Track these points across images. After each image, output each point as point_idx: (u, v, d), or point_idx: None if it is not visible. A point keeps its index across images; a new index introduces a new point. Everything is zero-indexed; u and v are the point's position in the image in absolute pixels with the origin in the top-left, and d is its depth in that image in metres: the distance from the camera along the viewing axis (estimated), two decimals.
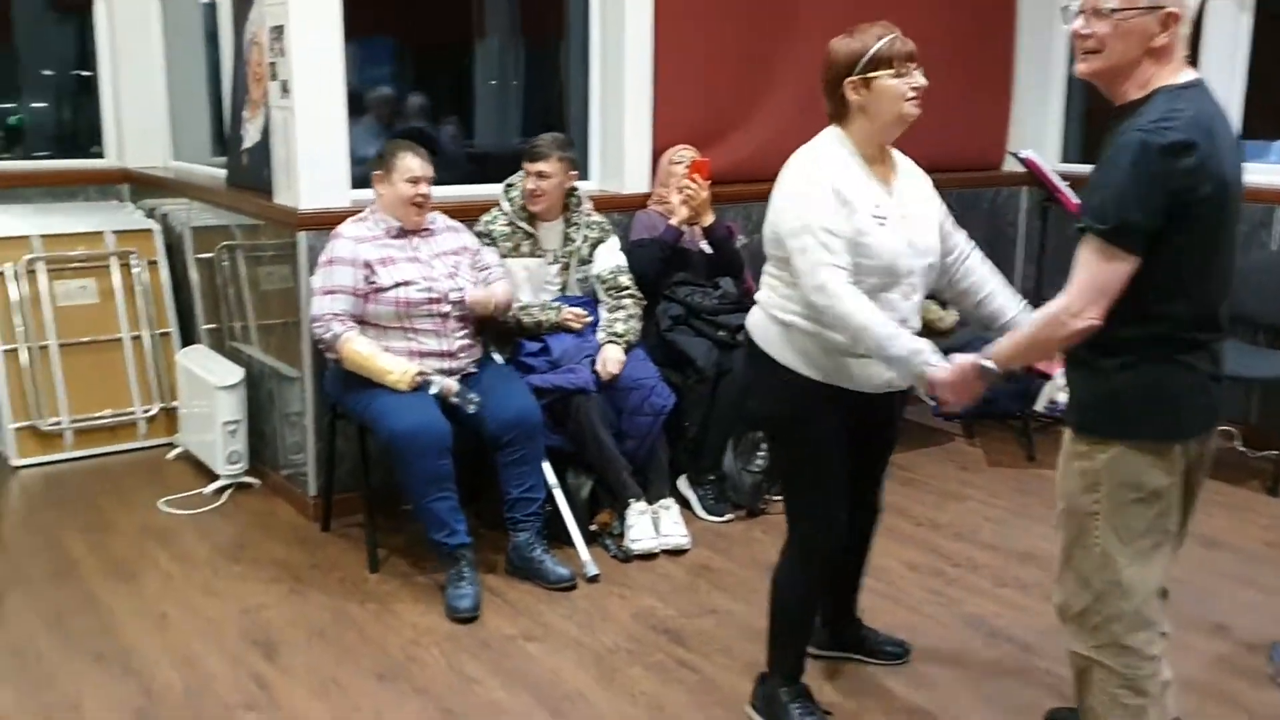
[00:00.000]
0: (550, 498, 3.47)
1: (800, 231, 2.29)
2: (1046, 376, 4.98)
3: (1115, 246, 1.95)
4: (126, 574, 3.40)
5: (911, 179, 2.50)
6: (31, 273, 4.35)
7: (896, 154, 2.49)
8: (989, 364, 2.15)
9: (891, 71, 2.31)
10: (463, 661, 2.92)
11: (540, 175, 3.65)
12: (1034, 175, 4.46)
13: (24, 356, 4.29)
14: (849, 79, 2.33)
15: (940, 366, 2.22)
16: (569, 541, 3.46)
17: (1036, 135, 5.32)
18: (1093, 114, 5.35)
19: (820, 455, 2.45)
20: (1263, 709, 2.74)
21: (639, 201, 4.23)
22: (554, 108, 7.37)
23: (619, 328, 3.71)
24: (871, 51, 2.32)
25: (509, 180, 3.80)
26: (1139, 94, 2.02)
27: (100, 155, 5.21)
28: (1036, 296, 4.55)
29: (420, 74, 6.85)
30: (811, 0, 4.49)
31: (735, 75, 4.46)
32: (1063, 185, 4.39)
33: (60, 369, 4.35)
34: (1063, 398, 5.56)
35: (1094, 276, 1.98)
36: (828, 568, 2.59)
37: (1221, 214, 2.00)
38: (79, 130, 5.92)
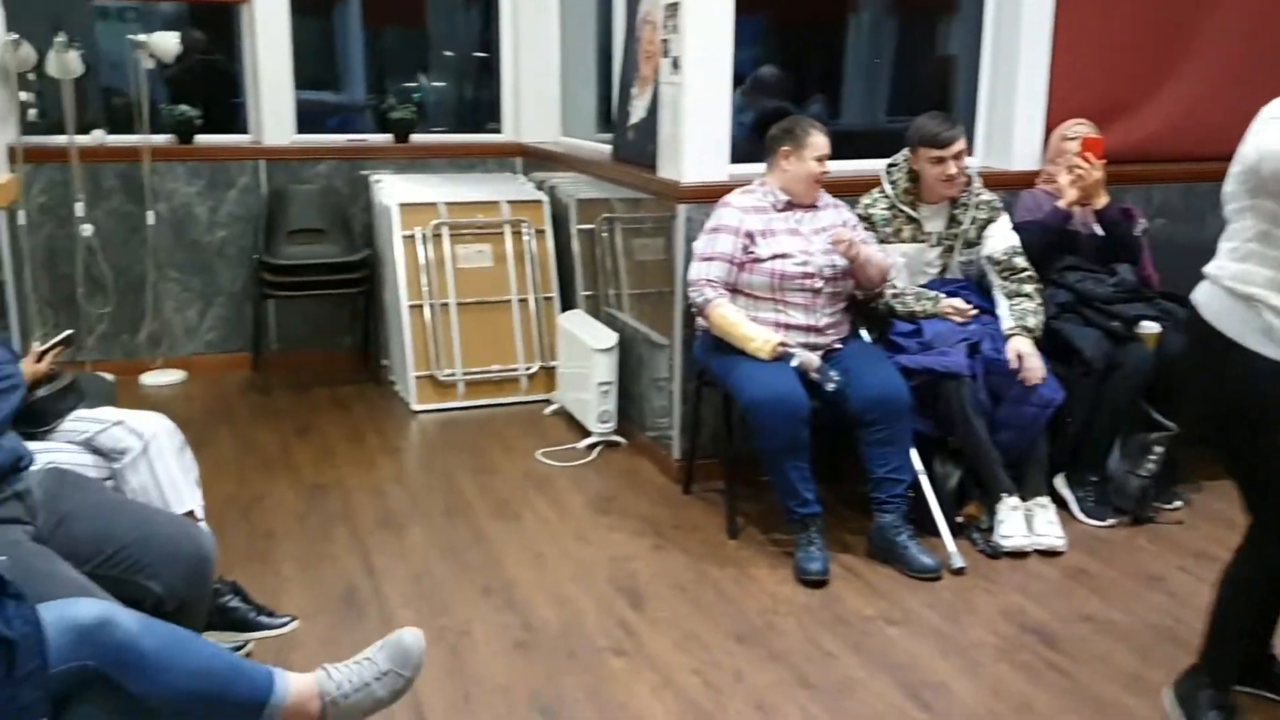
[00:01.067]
0: (916, 483, 3.37)
1: None
2: None
3: None
4: (509, 515, 3.66)
5: None
6: (437, 236, 4.77)
7: None
8: None
9: None
10: (819, 634, 2.90)
11: (957, 157, 3.52)
12: None
13: (427, 313, 4.72)
14: None
15: None
16: (932, 531, 3.35)
17: None
18: None
19: None
20: None
21: (1026, 180, 4.02)
22: (924, 85, 7.19)
23: (1030, 321, 3.50)
24: None
25: (890, 161, 3.71)
26: None
27: (494, 130, 5.64)
28: None
29: (788, 52, 6.88)
30: None
31: (1142, 46, 4.12)
32: None
33: (457, 326, 4.75)
34: None
35: None
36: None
37: None
38: (478, 107, 6.44)
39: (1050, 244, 3.70)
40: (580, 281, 4.77)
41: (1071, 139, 3.81)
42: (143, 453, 2.62)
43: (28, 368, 2.60)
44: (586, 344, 4.26)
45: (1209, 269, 2.32)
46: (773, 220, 3.38)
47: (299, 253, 5.01)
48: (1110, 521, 3.59)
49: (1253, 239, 2.20)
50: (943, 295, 3.59)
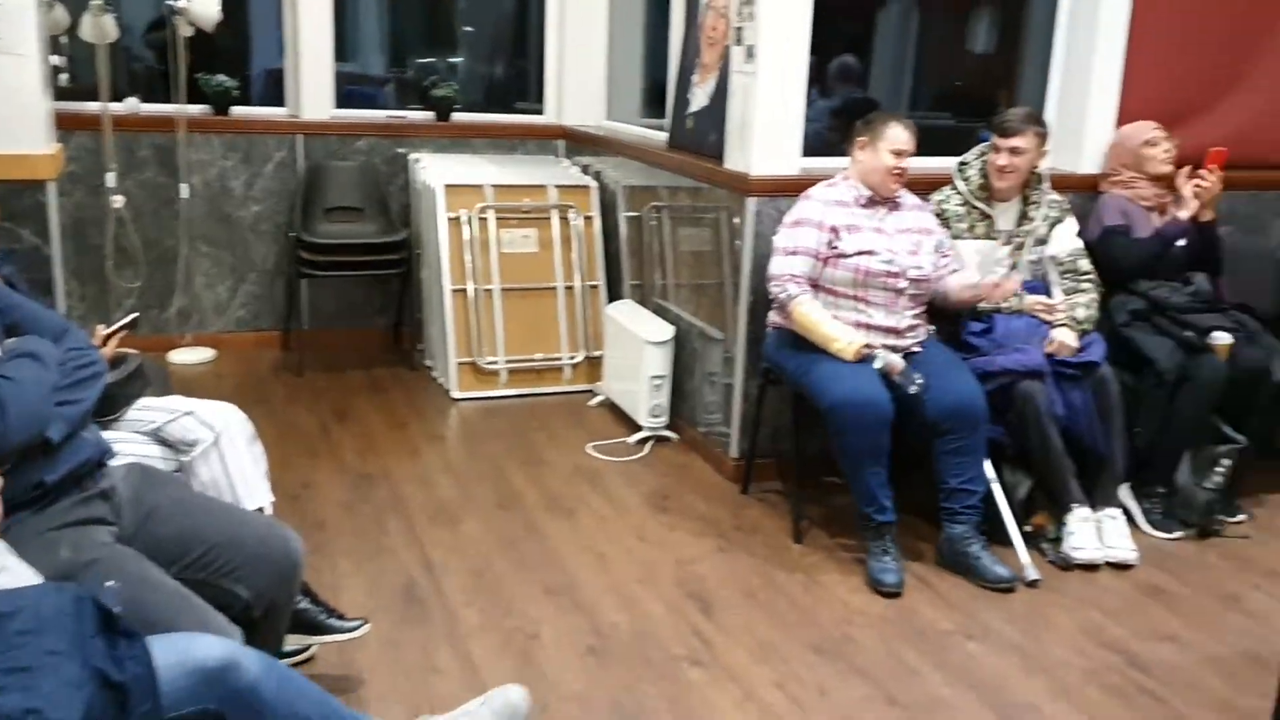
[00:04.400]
0: (988, 493, 3.30)
1: None
2: None
3: None
4: (564, 510, 3.57)
5: None
6: (483, 219, 4.67)
7: None
8: None
9: None
10: (899, 648, 2.83)
11: (1014, 151, 3.46)
12: None
13: (471, 298, 4.61)
14: None
15: None
16: (1003, 541, 3.28)
17: None
18: None
19: None
20: None
21: (1092, 182, 3.93)
22: (948, 77, 7.10)
23: (1080, 313, 3.49)
24: None
25: (963, 158, 3.64)
26: None
27: (523, 110, 5.53)
28: None
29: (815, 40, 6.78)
30: None
31: (1214, 49, 4.04)
32: None
33: (500, 312, 4.65)
34: None
35: None
36: None
37: None
38: (508, 85, 6.33)
39: (1158, 254, 3.65)
40: (627, 270, 4.68)
41: (1152, 144, 3.73)
42: (214, 444, 2.54)
43: None
44: (638, 336, 4.16)
45: None
46: (856, 215, 3.30)
47: (337, 231, 4.90)
48: (1177, 534, 3.54)
49: None
50: (1027, 293, 3.52)
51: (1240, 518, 3.66)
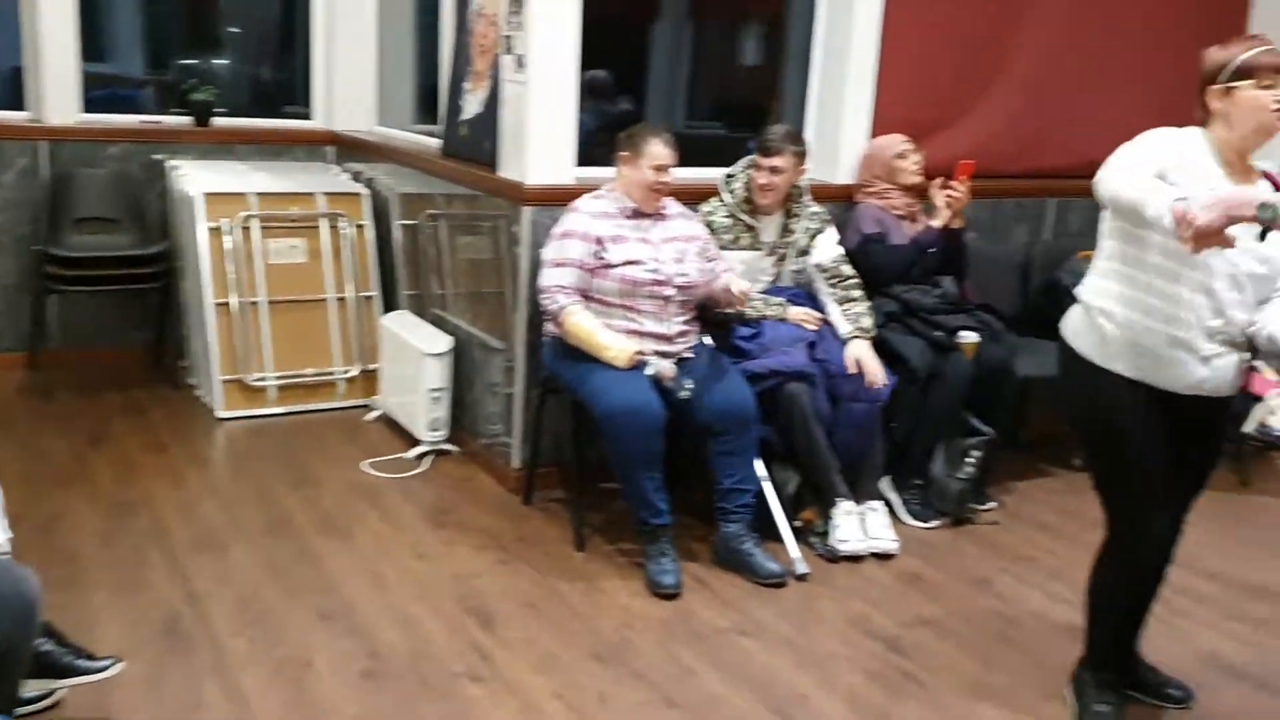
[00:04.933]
0: (760, 491, 3.41)
1: (1121, 157, 2.28)
2: (1257, 398, 4.74)
3: None
4: (339, 531, 3.46)
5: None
6: (246, 229, 4.47)
7: (1262, 174, 2.40)
8: (1273, 207, 1.95)
9: (1253, 82, 2.28)
10: (677, 650, 2.89)
11: (774, 170, 3.60)
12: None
13: (235, 312, 4.41)
14: (1212, 88, 2.34)
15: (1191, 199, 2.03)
16: (774, 537, 3.40)
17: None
18: None
19: (1129, 456, 2.41)
20: None
21: (849, 192, 4.13)
22: (726, 93, 7.31)
23: (865, 323, 3.64)
24: (1236, 62, 2.31)
25: (728, 171, 3.76)
26: None
27: (297, 116, 5.34)
28: None
29: (593, 52, 6.85)
30: None
31: (957, 67, 4.31)
32: None
33: (268, 325, 4.47)
34: (1274, 421, 5.29)
35: None
36: (1149, 573, 2.56)
37: None
38: (276, 89, 6.09)
39: (914, 261, 3.86)
40: (403, 280, 4.58)
41: (901, 156, 3.94)
42: None
43: None
44: (416, 347, 4.08)
45: (1078, 292, 2.48)
46: (622, 226, 3.34)
47: (88, 243, 4.60)
48: (934, 524, 3.75)
49: (1111, 257, 2.40)
50: (789, 302, 3.66)
51: (990, 505, 3.92)
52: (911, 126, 4.14)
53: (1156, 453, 2.40)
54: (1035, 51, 4.41)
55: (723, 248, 3.65)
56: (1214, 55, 2.35)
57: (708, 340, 3.61)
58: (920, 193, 4.01)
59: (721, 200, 3.72)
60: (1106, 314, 2.38)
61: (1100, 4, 4.48)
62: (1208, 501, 4.09)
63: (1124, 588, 2.57)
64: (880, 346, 3.73)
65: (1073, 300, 2.52)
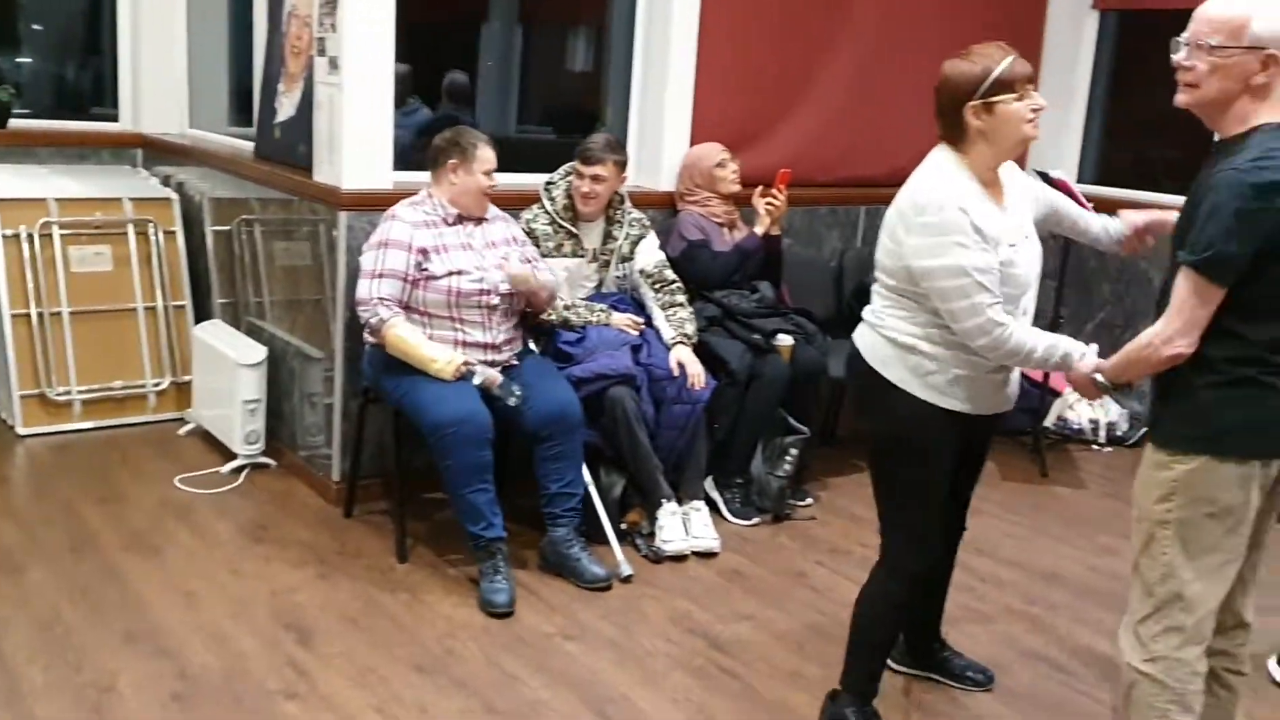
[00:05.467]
0: (586, 494, 3.44)
1: (956, 274, 2.23)
2: (1056, 394, 5.06)
3: (1209, 280, 1.98)
4: (148, 549, 3.32)
5: (1015, 188, 2.45)
6: (46, 236, 4.24)
7: (1005, 172, 2.44)
8: (1100, 378, 2.28)
9: (1014, 95, 2.26)
10: (501, 657, 2.88)
11: (596, 179, 3.63)
12: (1066, 195, 4.48)
13: (35, 323, 4.18)
14: (970, 104, 2.27)
15: (1090, 362, 2.32)
16: (601, 540, 3.44)
17: (1055, 155, 5.35)
18: (1112, 135, 5.41)
19: (928, 477, 2.44)
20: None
21: (671, 199, 4.20)
22: (557, 99, 7.32)
23: (689, 328, 3.72)
24: (993, 76, 2.25)
25: (549, 179, 3.77)
26: (1239, 129, 2.05)
27: (104, 118, 5.10)
28: (1055, 310, 4.63)
29: (416, 53, 6.78)
30: (858, 5, 4.52)
31: (771, 81, 4.44)
32: (1089, 207, 4.41)
33: (71, 337, 4.25)
34: (1071, 415, 5.62)
35: (1188, 310, 2.02)
36: (919, 587, 2.58)
37: None
38: (83, 90, 5.78)
39: (738, 266, 3.95)
40: (216, 288, 4.43)
41: (720, 164, 4.04)
42: None
43: None
44: (229, 357, 3.95)
45: (867, 315, 2.50)
46: (444, 235, 3.31)
47: None
48: (755, 520, 3.86)
49: (907, 296, 2.37)
50: (612, 310, 3.71)
51: (808, 501, 4.06)
52: (730, 136, 4.24)
53: (947, 472, 2.46)
54: (848, 65, 4.59)
55: (546, 255, 3.66)
56: (963, 69, 2.27)
57: (533, 346, 3.63)
58: (739, 200, 4.12)
59: (543, 207, 3.74)
60: (916, 350, 2.36)
61: (908, 21, 4.69)
62: (1009, 492, 4.39)
63: (902, 603, 2.56)
64: (701, 349, 3.83)
65: None
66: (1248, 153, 1.98)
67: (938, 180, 2.31)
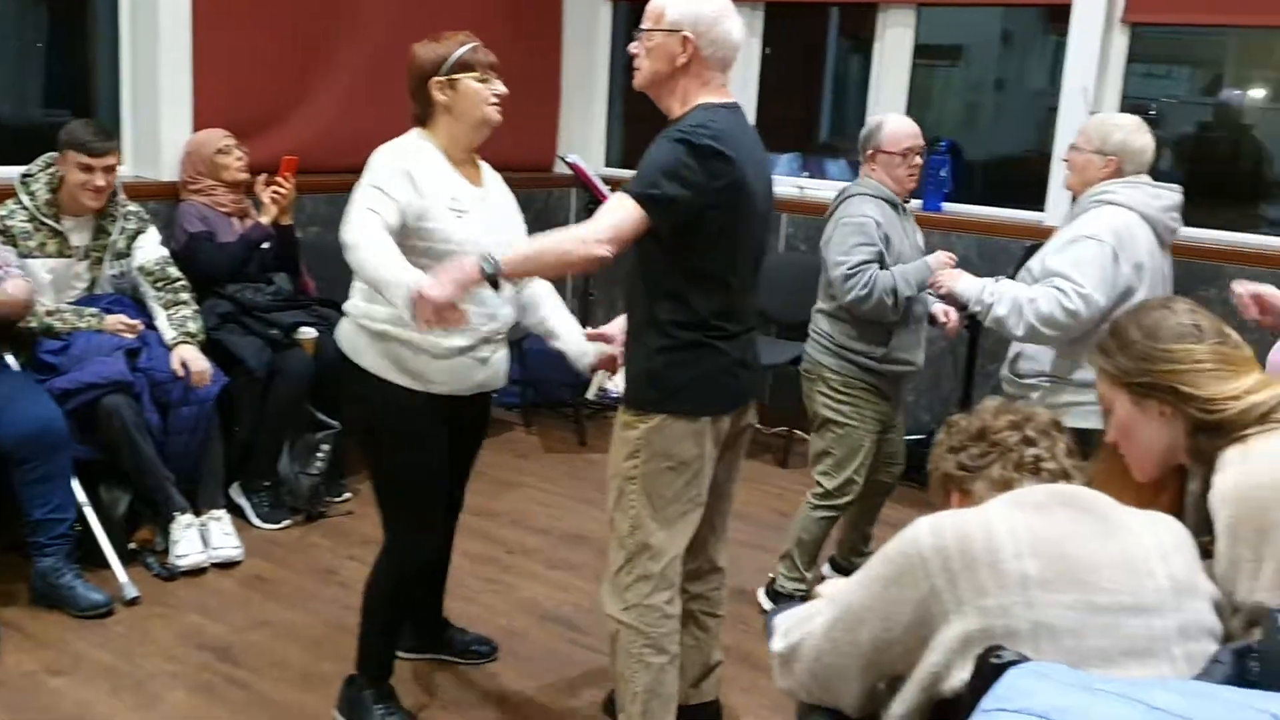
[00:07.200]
0: (81, 516, 3.17)
1: (362, 187, 2.34)
2: None
3: (642, 206, 2.15)
4: None
5: (500, 189, 2.61)
6: None
7: (486, 167, 2.58)
8: (492, 260, 2.15)
9: (476, 75, 2.42)
10: None
11: (108, 170, 3.37)
12: (580, 178, 4.72)
13: None
14: (435, 79, 2.41)
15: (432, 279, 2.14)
16: (104, 563, 3.19)
17: (583, 141, 5.63)
18: (630, 120, 5.76)
19: (419, 463, 2.47)
20: None
21: (173, 189, 3.96)
22: (80, 79, 6.67)
23: (192, 327, 3.52)
24: (456, 55, 2.41)
25: (27, 170, 3.41)
26: (681, 110, 2.29)
27: None
28: (585, 293, 4.87)
29: None
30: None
31: (280, 65, 4.31)
32: (604, 188, 4.68)
33: None
34: (611, 385, 5.98)
35: (618, 219, 2.16)
36: (424, 571, 2.62)
37: (743, 221, 2.26)
38: None
39: (245, 258, 3.78)
40: None
41: (224, 152, 3.85)
42: None
43: None
44: None
45: (347, 307, 2.51)
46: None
47: None
48: (286, 523, 3.75)
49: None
50: (104, 313, 3.44)
51: (345, 496, 4.00)
52: (238, 122, 4.06)
53: (442, 455, 2.51)
54: (363, 48, 4.53)
55: (26, 255, 3.32)
56: (429, 50, 2.43)
57: (11, 361, 3.28)
58: (247, 189, 3.96)
59: (20, 203, 3.38)
60: (387, 336, 2.39)
61: (424, 8, 4.70)
62: (549, 463, 4.58)
63: (409, 587, 2.61)
64: (215, 349, 3.64)
65: None
66: (688, 121, 2.21)
67: (398, 141, 2.46)
